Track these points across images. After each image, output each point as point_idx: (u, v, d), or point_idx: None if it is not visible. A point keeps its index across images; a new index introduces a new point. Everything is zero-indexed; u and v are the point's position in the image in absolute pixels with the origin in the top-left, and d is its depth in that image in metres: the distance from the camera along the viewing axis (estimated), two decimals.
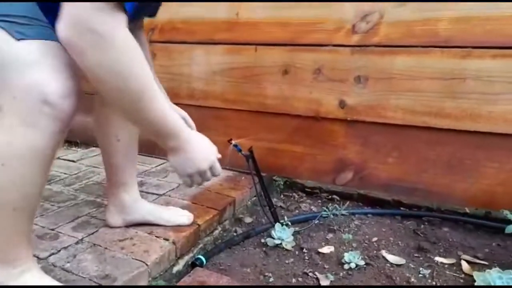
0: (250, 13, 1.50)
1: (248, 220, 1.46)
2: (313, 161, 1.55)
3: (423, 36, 1.27)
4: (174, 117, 0.81)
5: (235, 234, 1.36)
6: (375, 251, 1.23)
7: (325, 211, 1.42)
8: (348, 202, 1.52)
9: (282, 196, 1.67)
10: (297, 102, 1.51)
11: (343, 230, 1.36)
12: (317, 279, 1.10)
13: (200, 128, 0.98)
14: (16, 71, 0.64)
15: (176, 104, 1.03)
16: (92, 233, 1.11)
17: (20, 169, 0.68)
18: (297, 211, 1.56)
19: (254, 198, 1.59)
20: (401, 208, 1.46)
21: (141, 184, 1.51)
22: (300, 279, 1.11)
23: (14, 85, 0.64)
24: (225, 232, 1.37)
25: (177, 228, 1.16)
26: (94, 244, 1.04)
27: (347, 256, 1.16)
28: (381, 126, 1.39)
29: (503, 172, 1.25)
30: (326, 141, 1.50)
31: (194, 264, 1.14)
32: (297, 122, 1.52)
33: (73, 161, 1.79)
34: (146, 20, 1.09)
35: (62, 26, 0.61)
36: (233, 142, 1.25)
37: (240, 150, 1.25)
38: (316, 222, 1.40)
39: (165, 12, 1.61)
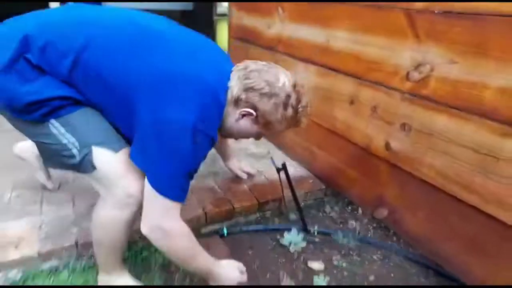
0: (336, 42, 1.65)
1: (292, 217, 1.76)
2: (361, 188, 1.65)
3: (467, 100, 1.15)
4: (208, 265, 1.15)
5: (272, 224, 1.71)
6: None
7: (343, 235, 1.57)
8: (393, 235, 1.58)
9: (348, 208, 1.83)
10: (356, 132, 1.61)
11: (352, 257, 1.49)
12: (279, 280, 1.37)
13: None
14: (115, 181, 1.03)
15: None
16: None
17: (115, 232, 1.11)
18: (341, 225, 1.73)
19: (311, 201, 1.85)
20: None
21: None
22: (271, 275, 1.41)
23: (113, 188, 1.04)
24: (264, 219, 1.74)
25: (218, 203, 1.64)
26: None
27: (316, 279, 1.36)
28: (416, 180, 1.36)
29: None
30: (372, 174, 1.56)
31: (217, 232, 1.61)
32: (354, 149, 1.63)
33: None
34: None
35: (144, 229, 1.02)
36: (271, 157, 1.59)
37: (274, 163, 1.57)
38: (339, 239, 1.57)
39: (287, 29, 1.95)
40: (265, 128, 1.11)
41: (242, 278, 1.24)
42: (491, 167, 1.11)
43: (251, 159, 2.09)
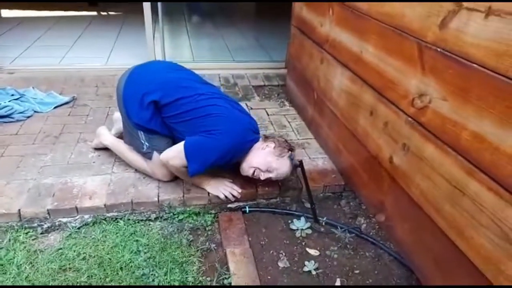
0: (367, 54, 1.78)
1: (307, 205, 2.02)
2: (369, 191, 1.83)
3: (450, 136, 1.27)
4: (198, 182, 1.90)
5: (287, 209, 1.99)
6: (335, 275, 1.60)
7: (343, 229, 1.79)
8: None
9: (362, 206, 2.02)
10: (371, 141, 1.77)
11: (346, 250, 1.72)
12: (278, 259, 1.68)
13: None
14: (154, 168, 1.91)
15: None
16: None
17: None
18: (350, 220, 1.95)
19: (330, 194, 2.08)
20: None
21: None
22: (273, 253, 1.72)
23: (153, 169, 1.93)
24: (283, 203, 2.03)
25: (249, 185, 1.95)
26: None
27: (307, 263, 1.64)
28: (407, 195, 1.52)
29: None
30: (378, 182, 1.73)
31: (241, 209, 1.95)
32: (368, 156, 1.81)
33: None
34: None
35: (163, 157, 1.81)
36: (292, 153, 1.85)
37: (292, 159, 1.83)
38: (340, 233, 1.80)
39: (333, 31, 2.10)
40: None
41: (225, 191, 1.86)
42: (457, 199, 1.23)
43: None
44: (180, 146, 1.72)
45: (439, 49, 1.30)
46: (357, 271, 1.63)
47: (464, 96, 1.20)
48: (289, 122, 2.72)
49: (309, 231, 1.83)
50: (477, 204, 1.16)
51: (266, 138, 1.85)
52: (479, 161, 1.14)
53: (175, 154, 1.74)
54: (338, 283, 1.54)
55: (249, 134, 1.82)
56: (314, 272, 1.59)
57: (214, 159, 1.71)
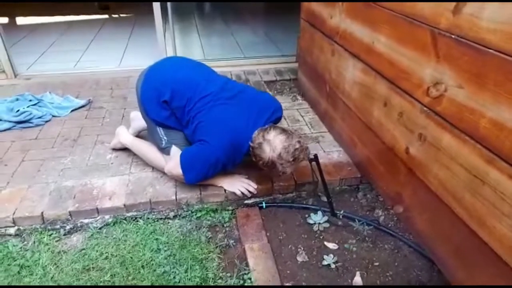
0: (379, 44, 1.75)
1: (324, 199, 2.01)
2: (386, 182, 1.82)
3: (467, 124, 1.24)
4: (213, 180, 1.91)
5: (303, 203, 2.00)
6: (354, 268, 1.59)
7: (361, 222, 1.78)
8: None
9: (380, 197, 2.01)
10: (386, 132, 1.75)
11: (365, 243, 1.72)
12: (297, 253, 1.69)
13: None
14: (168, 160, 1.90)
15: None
16: None
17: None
18: (367, 212, 1.94)
19: (346, 187, 2.07)
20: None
21: None
22: (292, 247, 1.73)
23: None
24: (300, 198, 2.03)
25: (264, 181, 1.96)
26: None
27: (326, 257, 1.64)
28: (424, 185, 1.50)
29: None
30: (395, 173, 1.72)
31: (258, 204, 1.96)
32: (383, 147, 1.79)
33: None
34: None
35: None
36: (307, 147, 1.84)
37: (308, 154, 1.82)
38: (358, 226, 1.79)
39: (344, 23, 2.08)
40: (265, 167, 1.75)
41: (241, 187, 1.88)
42: (477, 188, 1.21)
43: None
44: (178, 157, 1.80)
45: (453, 36, 1.27)
46: (376, 264, 1.62)
47: (480, 83, 1.17)
48: (302, 116, 2.71)
49: (327, 225, 1.83)
50: (498, 193, 1.14)
51: (253, 149, 1.72)
52: (499, 149, 1.12)
53: (175, 163, 1.81)
54: (357, 276, 1.54)
55: (243, 144, 1.75)
56: (333, 266, 1.59)
57: (207, 169, 1.79)
